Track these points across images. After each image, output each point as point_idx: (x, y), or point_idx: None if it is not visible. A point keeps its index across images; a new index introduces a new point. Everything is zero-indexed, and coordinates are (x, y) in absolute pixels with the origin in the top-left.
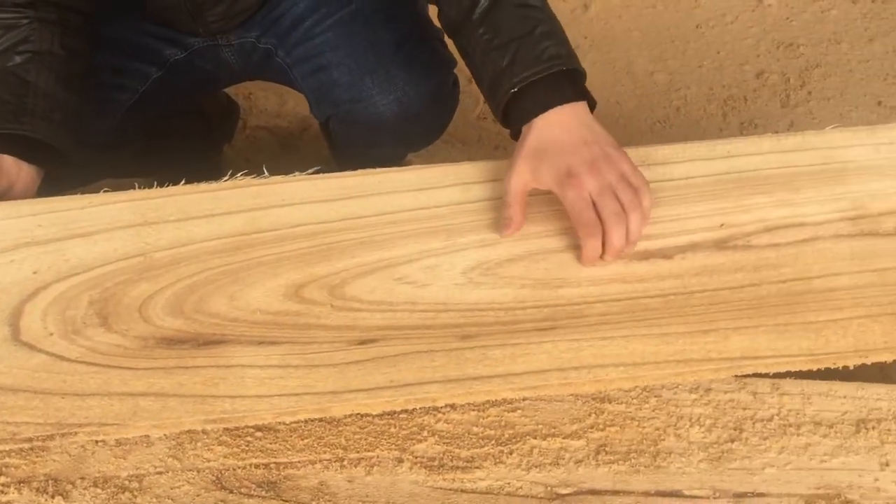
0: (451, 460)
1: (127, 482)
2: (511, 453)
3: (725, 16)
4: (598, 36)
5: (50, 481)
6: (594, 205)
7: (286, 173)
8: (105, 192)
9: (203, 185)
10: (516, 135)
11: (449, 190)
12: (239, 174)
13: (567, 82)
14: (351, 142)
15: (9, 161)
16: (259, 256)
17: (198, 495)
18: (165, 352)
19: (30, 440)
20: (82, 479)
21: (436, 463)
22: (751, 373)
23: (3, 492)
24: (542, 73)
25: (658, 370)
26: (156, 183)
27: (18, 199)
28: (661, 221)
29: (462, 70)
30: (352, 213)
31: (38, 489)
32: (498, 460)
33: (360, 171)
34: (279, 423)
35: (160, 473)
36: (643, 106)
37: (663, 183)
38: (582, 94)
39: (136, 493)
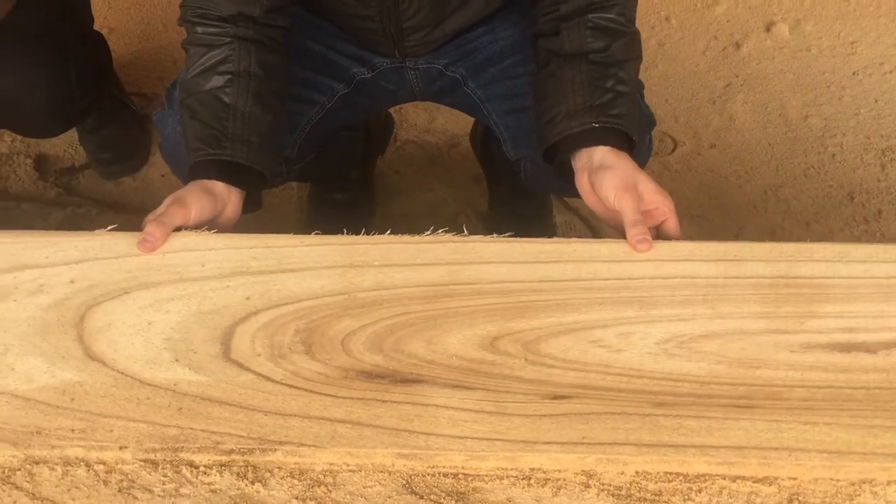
0: (639, 491)
1: (321, 476)
2: (700, 491)
3: (884, 65)
4: (749, 75)
5: (249, 468)
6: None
7: (433, 188)
8: (316, 234)
9: (406, 237)
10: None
11: (642, 265)
12: (440, 230)
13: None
14: (543, 185)
15: (219, 186)
16: (456, 306)
17: (389, 497)
18: (364, 384)
19: (230, 452)
20: (279, 468)
21: (623, 492)
22: None
23: (205, 472)
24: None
25: (865, 462)
26: (365, 230)
27: (228, 221)
28: (864, 317)
29: None
30: (547, 276)
31: (238, 474)
32: (686, 497)
33: (555, 240)
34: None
35: (352, 472)
36: (797, 150)
37: (864, 280)
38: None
39: (330, 487)
